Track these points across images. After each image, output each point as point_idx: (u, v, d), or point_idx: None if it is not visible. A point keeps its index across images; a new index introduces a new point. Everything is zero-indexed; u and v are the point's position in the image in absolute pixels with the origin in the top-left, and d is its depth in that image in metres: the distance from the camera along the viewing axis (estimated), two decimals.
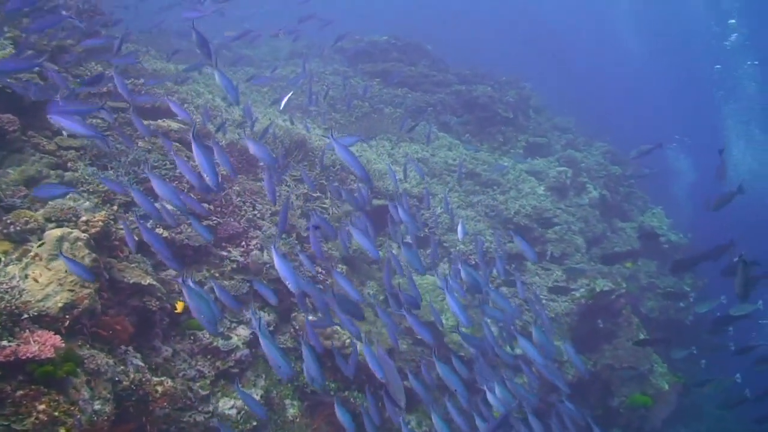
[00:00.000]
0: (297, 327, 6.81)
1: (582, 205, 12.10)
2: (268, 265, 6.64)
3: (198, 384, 5.82)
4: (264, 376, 6.36)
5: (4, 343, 3.89)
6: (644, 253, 12.78)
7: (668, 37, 37.37)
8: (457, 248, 9.51)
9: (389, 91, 13.65)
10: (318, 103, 11.48)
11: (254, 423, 6.09)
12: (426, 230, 9.48)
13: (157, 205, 6.17)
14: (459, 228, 7.98)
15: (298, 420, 6.50)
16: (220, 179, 6.08)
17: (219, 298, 5.45)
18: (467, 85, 14.96)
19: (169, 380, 5.23)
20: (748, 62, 24.04)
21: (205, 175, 4.99)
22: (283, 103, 8.75)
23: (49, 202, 5.11)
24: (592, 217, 11.99)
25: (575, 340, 9.26)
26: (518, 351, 7.63)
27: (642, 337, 9.73)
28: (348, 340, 6.92)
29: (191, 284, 4.70)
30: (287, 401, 6.60)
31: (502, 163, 12.13)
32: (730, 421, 12.60)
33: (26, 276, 4.35)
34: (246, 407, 5.95)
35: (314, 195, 8.54)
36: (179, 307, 5.86)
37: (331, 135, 5.94)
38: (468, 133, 13.83)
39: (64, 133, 6.05)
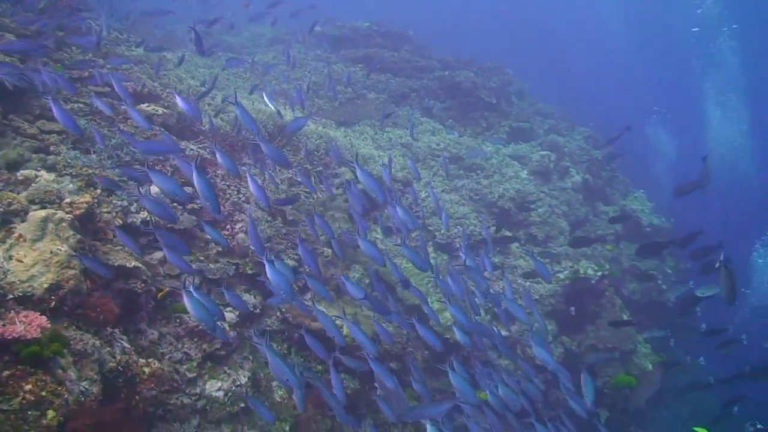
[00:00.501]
0: (283, 310, 6.82)
1: (565, 189, 12.18)
2: (253, 249, 6.63)
3: (185, 366, 5.81)
4: (251, 358, 6.37)
5: None
6: (626, 236, 12.89)
7: (647, 6, 37.20)
8: (441, 232, 9.55)
9: (372, 76, 13.63)
10: (301, 90, 11.48)
11: (242, 404, 6.11)
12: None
13: (143, 189, 6.16)
14: (443, 217, 8.03)
15: (285, 402, 6.52)
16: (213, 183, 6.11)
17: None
18: (450, 71, 14.96)
19: (156, 361, 5.23)
20: (725, 28, 23.92)
21: (207, 204, 5.01)
22: (266, 97, 8.71)
23: (33, 185, 5.07)
24: (575, 200, 12.07)
25: (559, 321, 9.35)
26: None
27: (625, 318, 9.83)
28: (337, 321, 6.94)
29: (192, 291, 4.75)
30: (274, 383, 6.62)
31: (485, 148, 12.16)
32: (710, 404, 12.75)
33: (10, 257, 4.32)
34: (233, 389, 5.98)
35: (298, 180, 8.53)
36: (161, 294, 5.85)
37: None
38: (451, 118, 13.85)
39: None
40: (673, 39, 32.25)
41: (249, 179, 5.65)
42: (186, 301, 4.80)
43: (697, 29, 25.69)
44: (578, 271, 9.63)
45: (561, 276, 9.65)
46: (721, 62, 23.94)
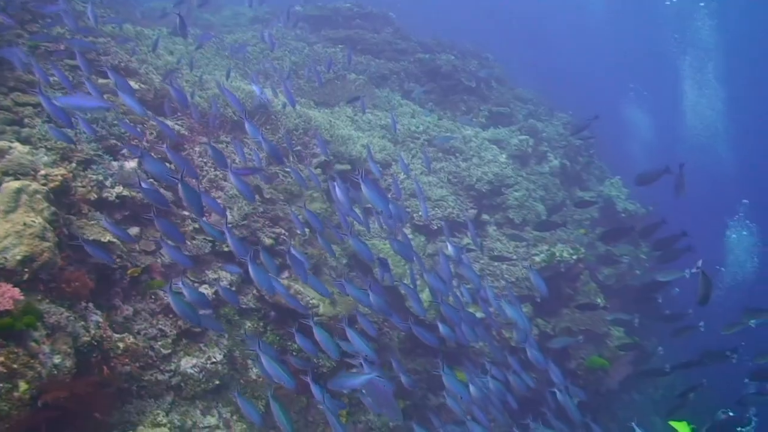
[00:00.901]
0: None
1: (543, 173, 12.23)
2: (230, 225, 6.60)
3: (159, 343, 5.79)
4: (226, 335, 6.35)
5: None
6: (602, 222, 13.01)
7: None
8: (419, 214, 9.57)
9: (353, 57, 13.57)
10: (281, 70, 11.42)
11: (217, 382, 6.11)
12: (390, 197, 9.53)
13: (116, 163, 6.12)
14: (423, 207, 8.04)
15: (261, 380, 6.53)
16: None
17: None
18: (431, 54, 14.93)
19: (131, 337, 5.20)
20: (702, 3, 23.89)
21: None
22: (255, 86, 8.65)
23: (6, 156, 4.99)
24: (552, 185, 12.13)
25: (534, 303, 9.43)
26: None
27: (600, 301, 9.94)
28: (313, 300, 6.95)
29: (181, 286, 4.80)
30: (250, 361, 6.62)
31: (464, 131, 12.16)
32: (682, 388, 12.94)
33: None
34: (208, 366, 5.98)
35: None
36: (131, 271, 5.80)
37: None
38: (431, 101, 13.84)
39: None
40: (650, 14, 32.21)
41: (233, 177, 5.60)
42: (171, 300, 4.95)
43: (669, 2, 25.65)
44: (554, 254, 9.70)
45: (537, 259, 9.72)
46: (697, 39, 23.98)
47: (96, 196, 5.69)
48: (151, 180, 6.25)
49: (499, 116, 14.32)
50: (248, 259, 5.35)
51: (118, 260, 5.46)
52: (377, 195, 6.16)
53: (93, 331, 4.72)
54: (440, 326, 6.36)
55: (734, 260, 15.75)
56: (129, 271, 5.66)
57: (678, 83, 23.68)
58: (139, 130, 6.54)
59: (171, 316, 5.95)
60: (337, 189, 6.27)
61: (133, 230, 6.02)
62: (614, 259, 11.59)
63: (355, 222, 7.06)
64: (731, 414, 8.45)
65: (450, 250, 6.99)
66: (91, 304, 4.95)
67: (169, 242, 5.42)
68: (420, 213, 9.55)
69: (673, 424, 8.08)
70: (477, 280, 6.92)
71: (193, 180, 6.35)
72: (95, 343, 4.69)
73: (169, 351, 5.81)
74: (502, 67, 17.27)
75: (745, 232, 15.88)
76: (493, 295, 6.81)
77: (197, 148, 7.13)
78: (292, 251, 6.00)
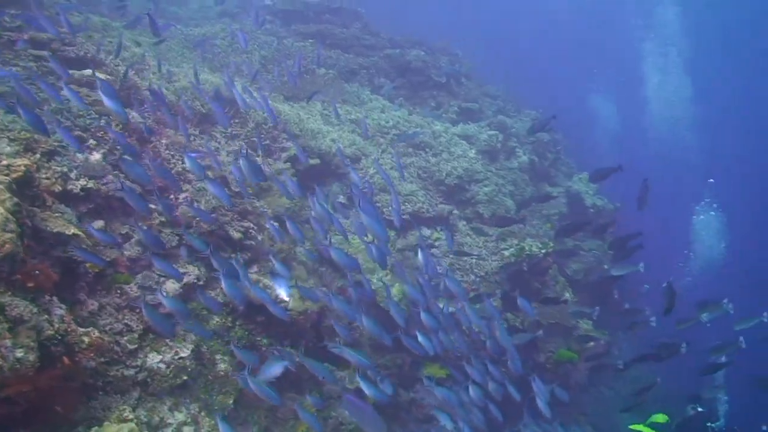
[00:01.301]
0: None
1: (512, 169, 12.28)
2: (197, 219, 6.51)
3: (126, 338, 5.69)
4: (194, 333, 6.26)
5: None
6: (572, 217, 13.11)
7: None
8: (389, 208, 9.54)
9: (322, 51, 13.50)
10: (251, 64, 11.31)
11: (184, 377, 6.02)
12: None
13: (81, 155, 6.01)
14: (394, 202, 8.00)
15: (229, 374, 6.45)
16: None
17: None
18: (401, 49, 14.93)
19: (96, 331, 5.10)
20: None
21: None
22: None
23: None
24: (521, 180, 12.20)
25: (504, 297, 9.47)
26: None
27: (567, 295, 10.02)
28: (282, 293, 6.88)
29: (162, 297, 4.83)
30: (218, 356, 6.53)
31: (434, 127, 12.16)
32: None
33: None
34: (175, 361, 5.90)
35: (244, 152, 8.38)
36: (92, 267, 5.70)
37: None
38: (401, 96, 13.82)
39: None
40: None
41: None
42: (144, 311, 5.07)
43: None
44: (524, 249, 9.75)
45: (506, 253, 9.77)
46: (662, 24, 24.14)
47: (60, 188, 5.58)
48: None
49: (469, 112, 14.37)
50: (222, 274, 5.43)
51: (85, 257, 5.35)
52: (376, 222, 6.16)
53: (57, 325, 4.61)
54: (422, 340, 6.36)
55: (702, 245, 15.90)
56: (88, 265, 5.54)
57: (642, 71, 23.88)
58: (103, 122, 6.43)
59: (137, 310, 5.86)
60: (315, 204, 6.33)
61: (98, 223, 5.91)
62: (571, 251, 11.69)
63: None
64: (700, 410, 8.57)
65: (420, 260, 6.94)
66: (55, 298, 4.84)
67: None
68: (390, 208, 9.56)
69: (635, 427, 8.20)
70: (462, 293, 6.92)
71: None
72: (59, 337, 4.59)
73: (136, 346, 5.72)
74: (471, 63, 17.31)
75: (712, 213, 16.03)
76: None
77: (164, 141, 7.02)
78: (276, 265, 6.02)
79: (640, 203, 9.22)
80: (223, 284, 5.60)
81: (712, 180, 16.24)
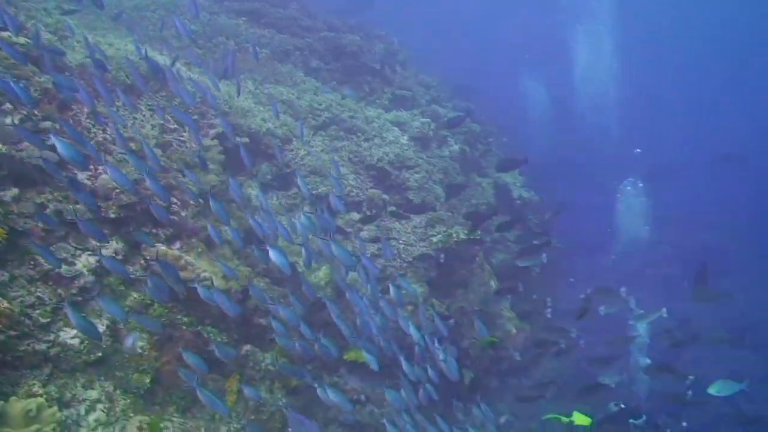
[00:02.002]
0: (147, 257, 6.51)
1: (443, 157, 12.33)
2: (117, 191, 6.29)
3: (38, 311, 5.46)
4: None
5: None
6: (499, 207, 13.27)
7: None
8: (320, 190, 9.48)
9: (255, 30, 13.26)
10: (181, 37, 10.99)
11: (99, 354, 5.82)
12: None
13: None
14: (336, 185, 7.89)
15: (147, 353, 6.26)
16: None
17: None
18: (336, 33, 14.78)
19: (5, 301, 4.87)
20: None
21: None
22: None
23: None
24: (452, 169, 12.25)
25: (430, 283, 9.52)
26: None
27: (493, 283, 10.14)
28: (205, 273, 6.72)
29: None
30: (137, 334, 6.34)
31: (368, 112, 12.10)
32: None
33: None
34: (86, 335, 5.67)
35: (171, 127, 8.15)
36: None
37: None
38: (335, 80, 13.71)
39: None
40: None
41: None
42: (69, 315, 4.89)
43: None
44: (451, 236, 9.82)
45: (434, 240, 9.82)
46: (590, 8, 24.46)
47: None
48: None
49: (402, 99, 14.38)
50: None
51: None
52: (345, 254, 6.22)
53: None
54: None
55: (626, 225, 16.15)
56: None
57: (571, 54, 24.22)
58: (22, 86, 6.13)
59: (50, 283, 5.64)
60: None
61: (12, 191, 5.65)
62: (474, 239, 11.77)
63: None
64: (623, 406, 8.79)
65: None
66: None
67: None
68: (320, 190, 9.50)
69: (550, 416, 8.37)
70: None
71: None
72: None
73: (48, 320, 5.50)
74: (408, 52, 17.30)
75: (628, 188, 16.27)
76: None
77: (85, 109, 6.75)
78: None
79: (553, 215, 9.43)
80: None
81: (638, 150, 16.64)
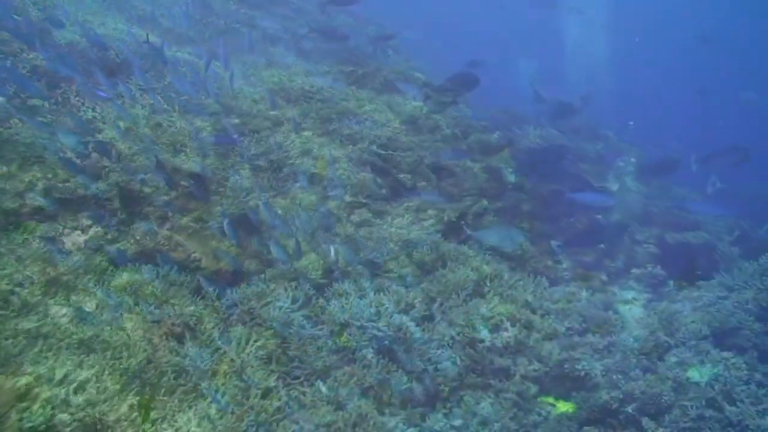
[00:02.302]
0: (137, 237, 6.46)
1: (435, 141, 12.25)
2: (107, 169, 6.22)
3: (26, 290, 5.40)
4: (99, 285, 6.00)
5: None
6: (490, 191, 13.22)
7: None
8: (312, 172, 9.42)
9: (247, 11, 13.13)
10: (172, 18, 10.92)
11: (90, 333, 5.76)
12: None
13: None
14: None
15: (135, 336, 6.20)
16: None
17: None
18: (328, 16, 14.67)
19: None
20: None
21: None
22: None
23: None
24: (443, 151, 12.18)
25: (421, 266, 9.49)
26: None
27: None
28: (195, 254, 6.68)
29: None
30: (126, 315, 6.28)
31: (360, 94, 12.00)
32: None
33: None
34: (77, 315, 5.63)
35: (163, 107, 8.07)
36: None
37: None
38: (326, 63, 13.59)
39: None
40: None
41: None
42: None
43: None
44: (443, 219, 9.80)
45: (426, 224, 9.79)
46: None
47: None
48: None
49: (394, 83, 14.26)
50: None
51: None
52: None
53: None
54: None
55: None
56: None
57: (561, 32, 24.14)
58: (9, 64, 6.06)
59: (40, 262, 5.58)
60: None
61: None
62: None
63: None
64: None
65: None
66: None
67: None
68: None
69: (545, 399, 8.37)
70: None
71: None
72: None
73: (38, 298, 5.44)
74: (399, 37, 17.19)
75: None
76: None
77: (74, 87, 6.66)
78: None
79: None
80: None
81: (631, 123, 16.59)
